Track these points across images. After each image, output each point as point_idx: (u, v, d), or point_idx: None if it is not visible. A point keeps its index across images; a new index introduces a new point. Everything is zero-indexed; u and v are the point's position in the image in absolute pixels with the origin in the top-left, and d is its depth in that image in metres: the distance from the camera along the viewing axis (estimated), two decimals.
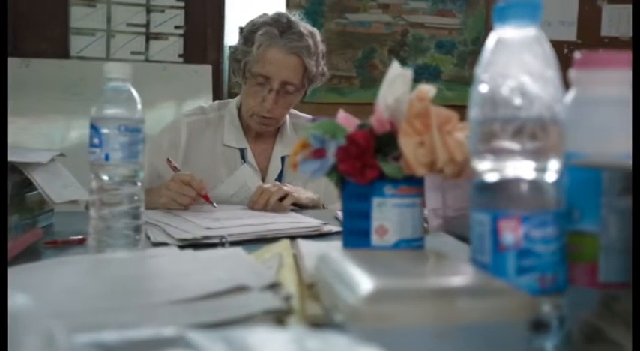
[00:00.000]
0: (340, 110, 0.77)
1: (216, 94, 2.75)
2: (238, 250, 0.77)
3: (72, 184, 1.09)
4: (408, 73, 0.65)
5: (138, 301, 0.51)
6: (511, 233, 0.44)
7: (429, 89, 0.67)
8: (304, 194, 1.39)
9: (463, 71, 2.95)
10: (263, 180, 1.53)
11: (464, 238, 0.83)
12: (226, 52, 2.89)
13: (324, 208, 1.50)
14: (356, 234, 0.68)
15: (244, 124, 1.57)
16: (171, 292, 0.53)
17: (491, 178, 0.45)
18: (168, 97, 2.72)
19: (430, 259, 0.48)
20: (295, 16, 1.51)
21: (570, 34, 2.98)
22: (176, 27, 2.79)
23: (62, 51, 2.70)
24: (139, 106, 0.82)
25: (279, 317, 0.48)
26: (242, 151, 1.54)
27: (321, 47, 1.52)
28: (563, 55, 3.00)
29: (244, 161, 1.53)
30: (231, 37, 2.93)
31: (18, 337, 0.32)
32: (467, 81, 2.96)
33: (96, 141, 0.80)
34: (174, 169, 1.35)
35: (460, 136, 0.62)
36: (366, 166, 0.63)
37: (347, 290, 0.39)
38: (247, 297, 0.50)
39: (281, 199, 1.31)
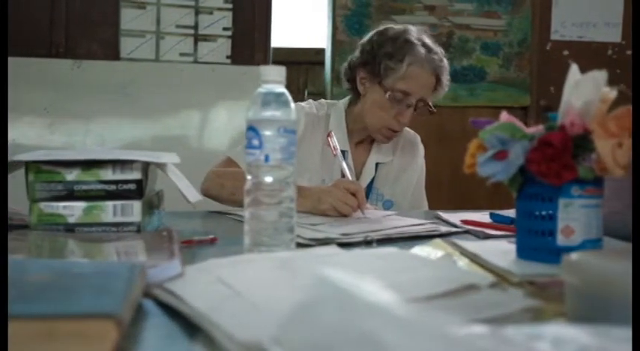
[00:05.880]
0: (503, 112, 0.78)
1: None
2: (396, 250, 0.78)
3: (190, 185, 1.10)
4: (600, 75, 0.66)
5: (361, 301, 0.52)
6: None
7: (609, 92, 0.68)
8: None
9: (508, 73, 2.96)
10: None
11: (617, 237, 0.84)
12: (272, 54, 2.91)
13: None
14: (537, 234, 0.69)
15: (349, 128, 1.59)
16: (400, 290, 0.54)
17: None
18: (216, 98, 2.73)
19: None
20: (423, 31, 1.56)
21: (615, 36, 2.98)
22: (224, 29, 2.80)
23: (113, 52, 2.72)
24: (293, 106, 0.83)
25: (535, 315, 0.49)
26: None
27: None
28: (608, 56, 3.01)
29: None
30: (277, 39, 2.94)
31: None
32: (512, 82, 2.97)
33: (255, 142, 0.81)
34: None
35: None
36: (563, 168, 0.64)
37: None
38: (498, 295, 0.51)
39: None
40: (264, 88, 0.82)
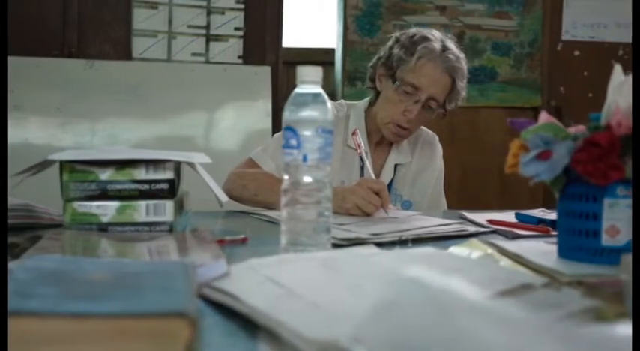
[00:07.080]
0: (542, 112, 0.78)
1: (275, 96, 2.77)
2: (435, 250, 0.78)
3: (217, 185, 1.10)
4: None
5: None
6: None
7: None
8: None
9: (519, 73, 2.96)
10: None
11: None
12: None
13: None
14: (581, 234, 0.69)
15: (368, 128, 1.59)
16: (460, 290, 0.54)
17: None
18: (227, 98, 2.73)
19: None
20: (448, 36, 1.55)
21: (626, 36, 2.98)
22: (236, 29, 2.80)
23: (125, 52, 2.72)
24: (330, 106, 0.84)
25: (598, 315, 0.49)
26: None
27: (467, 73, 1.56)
28: (619, 57, 3.01)
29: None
30: (286, 39, 2.94)
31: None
32: (523, 83, 2.97)
33: (293, 142, 0.81)
34: None
35: None
36: (610, 168, 0.64)
37: None
38: (555, 295, 0.51)
39: None
40: (302, 88, 0.82)
